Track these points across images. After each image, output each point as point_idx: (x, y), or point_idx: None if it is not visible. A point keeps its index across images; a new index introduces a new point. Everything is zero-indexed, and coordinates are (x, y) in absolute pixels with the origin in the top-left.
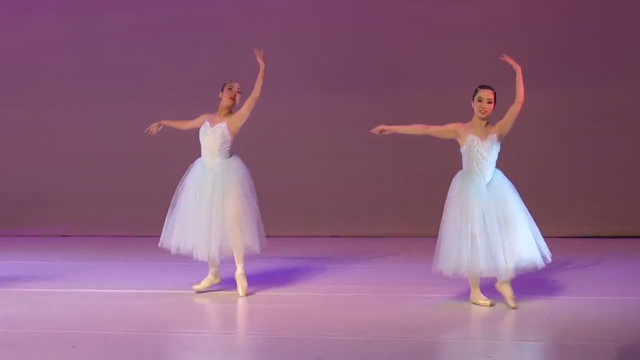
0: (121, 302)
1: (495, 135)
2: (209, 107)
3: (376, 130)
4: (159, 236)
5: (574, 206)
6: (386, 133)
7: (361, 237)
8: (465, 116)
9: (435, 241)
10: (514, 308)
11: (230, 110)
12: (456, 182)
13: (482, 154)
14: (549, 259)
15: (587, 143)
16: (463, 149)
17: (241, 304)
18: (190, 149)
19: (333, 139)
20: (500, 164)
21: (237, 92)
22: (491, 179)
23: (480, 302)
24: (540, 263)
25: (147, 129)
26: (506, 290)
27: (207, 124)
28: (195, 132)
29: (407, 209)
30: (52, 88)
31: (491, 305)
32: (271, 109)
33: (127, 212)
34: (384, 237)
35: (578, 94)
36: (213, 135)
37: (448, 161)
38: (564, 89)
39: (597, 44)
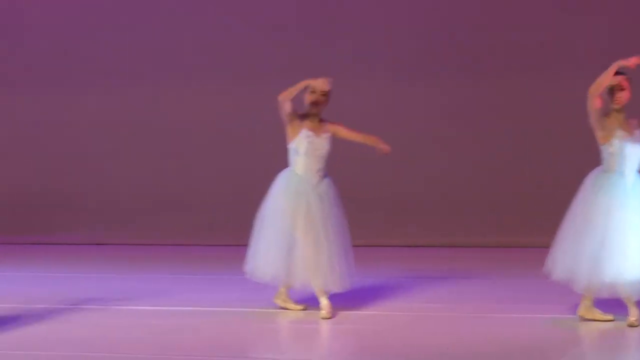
0: (189, 320)
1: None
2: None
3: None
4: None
5: None
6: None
7: (452, 246)
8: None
9: (537, 251)
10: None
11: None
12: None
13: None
14: None
15: None
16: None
17: (323, 325)
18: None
19: (412, 139)
20: None
21: (322, 95)
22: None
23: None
24: None
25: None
26: None
27: (307, 132)
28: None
29: (501, 215)
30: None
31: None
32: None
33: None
34: (479, 247)
35: None
36: (321, 144)
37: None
38: None
39: None
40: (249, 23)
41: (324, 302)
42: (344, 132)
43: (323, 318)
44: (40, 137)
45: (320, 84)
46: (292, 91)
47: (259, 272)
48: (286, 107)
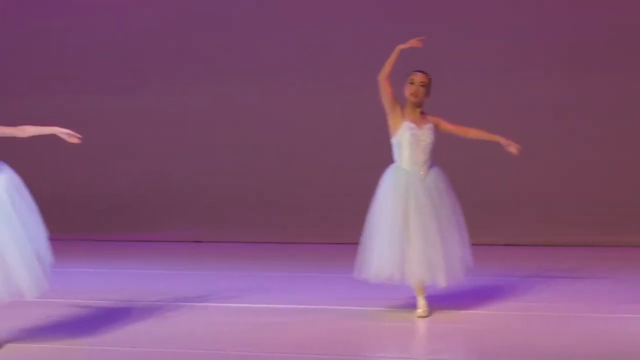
0: (292, 318)
1: None
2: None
3: None
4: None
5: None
6: None
7: (556, 245)
8: None
9: None
10: None
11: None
12: None
13: None
14: None
15: None
16: None
17: (421, 324)
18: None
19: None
20: None
21: (421, 85)
22: None
23: None
24: None
25: None
26: None
27: (409, 123)
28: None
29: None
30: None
31: None
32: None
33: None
34: (591, 247)
35: None
36: (424, 135)
37: None
38: None
39: None
40: (343, 16)
41: (422, 300)
42: (447, 126)
43: (419, 317)
44: (137, 135)
45: (419, 75)
46: (388, 64)
47: (373, 271)
48: (386, 87)
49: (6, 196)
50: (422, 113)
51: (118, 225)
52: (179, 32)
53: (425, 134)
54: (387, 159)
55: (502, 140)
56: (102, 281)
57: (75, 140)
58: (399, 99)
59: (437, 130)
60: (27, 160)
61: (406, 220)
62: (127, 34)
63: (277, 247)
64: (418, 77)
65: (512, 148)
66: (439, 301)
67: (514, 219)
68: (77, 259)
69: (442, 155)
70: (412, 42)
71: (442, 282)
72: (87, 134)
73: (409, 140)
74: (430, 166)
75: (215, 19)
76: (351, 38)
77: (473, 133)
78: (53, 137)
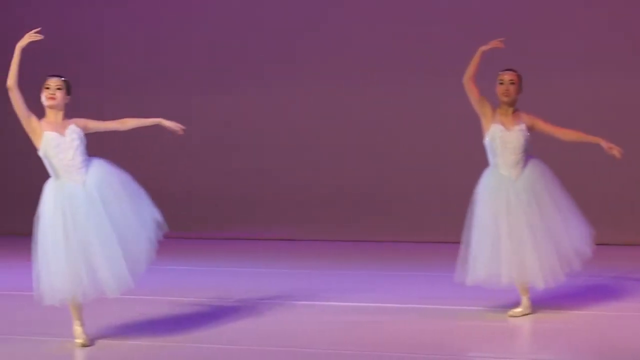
0: (389, 317)
1: None
2: None
3: None
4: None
5: None
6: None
7: None
8: None
9: None
10: None
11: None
12: None
13: None
14: None
15: None
16: None
17: (521, 324)
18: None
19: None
20: None
21: (510, 83)
22: None
23: None
24: None
25: None
26: None
27: (498, 126)
28: None
29: None
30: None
31: None
32: None
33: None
34: None
35: None
36: (513, 137)
37: None
38: None
39: None
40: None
41: (525, 301)
42: (543, 126)
43: (517, 316)
44: (233, 132)
45: (507, 74)
46: (472, 66)
47: (472, 276)
48: (472, 89)
49: (96, 194)
50: (515, 112)
51: (211, 223)
52: (276, 32)
53: (514, 136)
54: (484, 158)
55: (602, 142)
56: (196, 279)
57: (179, 132)
58: (489, 100)
59: (532, 130)
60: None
61: (497, 224)
62: (238, 33)
63: (372, 245)
64: (507, 76)
65: (615, 151)
66: (542, 301)
67: (611, 219)
68: (171, 257)
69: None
70: (494, 43)
71: (538, 283)
72: (186, 131)
73: (497, 143)
74: (526, 163)
75: (313, 20)
76: (448, 36)
77: (571, 135)
78: (150, 135)
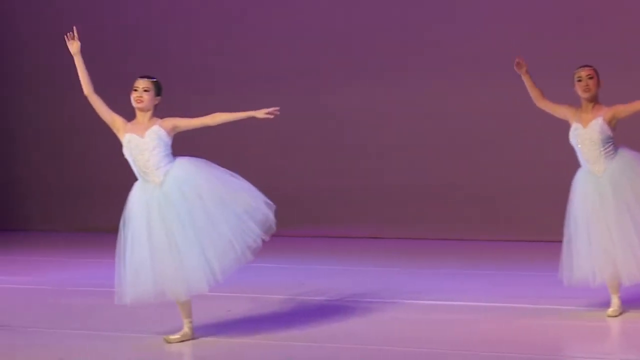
0: (482, 315)
1: None
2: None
3: None
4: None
5: None
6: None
7: None
8: None
9: None
10: None
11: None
12: None
13: None
14: None
15: None
16: None
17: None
18: None
19: None
20: None
21: (588, 78)
22: None
23: None
24: None
25: None
26: None
27: (575, 124)
28: None
29: None
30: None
31: None
32: None
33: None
34: None
35: None
36: (588, 134)
37: None
38: None
39: None
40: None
41: (615, 300)
42: (624, 109)
43: (610, 316)
44: (323, 133)
45: (584, 70)
46: (531, 90)
47: (566, 274)
48: (548, 106)
49: (174, 194)
50: (595, 106)
51: (296, 221)
52: (389, 30)
53: (589, 131)
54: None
55: None
56: (286, 276)
57: (274, 114)
58: (568, 103)
59: (614, 119)
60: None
61: (587, 222)
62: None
63: (466, 244)
64: (584, 72)
65: None
66: (632, 300)
67: None
68: (283, 255)
69: None
70: (518, 61)
71: (626, 280)
72: (281, 130)
73: (576, 141)
74: (613, 156)
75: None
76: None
77: None
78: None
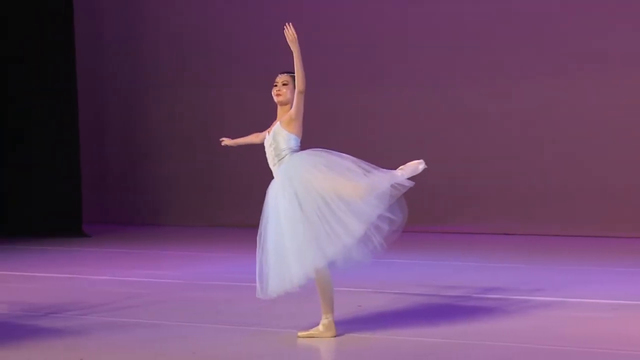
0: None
1: None
2: None
3: None
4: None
5: None
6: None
7: None
8: None
9: None
10: None
11: None
12: None
13: None
14: None
15: None
16: None
17: None
18: None
19: None
20: None
21: None
22: None
23: None
24: None
25: None
26: None
27: None
28: None
29: None
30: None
31: None
32: None
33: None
34: None
35: None
36: None
37: None
38: None
39: None
40: None
41: None
42: None
43: None
44: (444, 127)
45: None
46: None
47: None
48: None
49: (283, 190)
50: None
51: (425, 217)
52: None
53: None
54: None
55: None
56: (414, 272)
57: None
58: None
59: None
60: None
61: None
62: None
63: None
64: None
65: None
66: None
67: None
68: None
69: None
70: None
71: None
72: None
73: None
74: None
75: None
76: None
77: None
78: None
